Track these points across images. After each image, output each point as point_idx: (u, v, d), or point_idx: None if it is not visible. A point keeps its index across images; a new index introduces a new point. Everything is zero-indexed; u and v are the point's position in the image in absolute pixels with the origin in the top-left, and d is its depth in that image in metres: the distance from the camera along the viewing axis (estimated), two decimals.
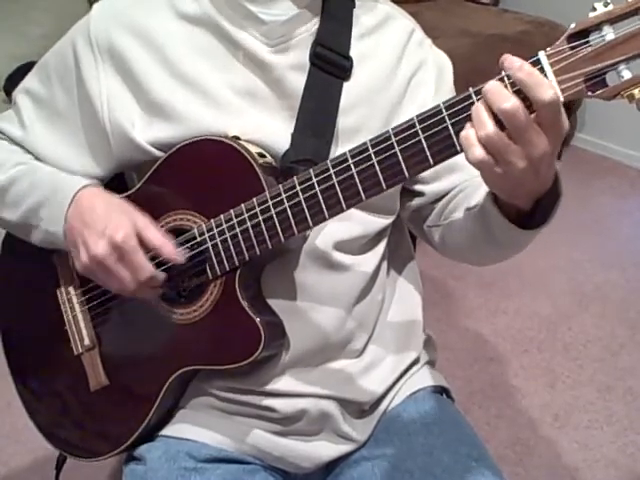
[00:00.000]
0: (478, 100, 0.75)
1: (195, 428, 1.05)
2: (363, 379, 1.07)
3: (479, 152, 0.75)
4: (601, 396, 2.15)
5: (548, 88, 0.71)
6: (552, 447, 1.98)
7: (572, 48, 0.71)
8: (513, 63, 0.73)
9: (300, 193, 0.87)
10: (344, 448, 1.07)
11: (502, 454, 1.94)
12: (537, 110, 0.72)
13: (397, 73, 1.04)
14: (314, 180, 0.86)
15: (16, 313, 1.17)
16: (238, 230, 0.92)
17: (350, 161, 0.83)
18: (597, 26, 0.70)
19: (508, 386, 2.20)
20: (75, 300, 1.07)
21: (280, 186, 0.89)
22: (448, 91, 1.07)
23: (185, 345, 0.99)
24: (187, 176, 0.96)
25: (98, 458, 1.09)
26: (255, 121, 0.97)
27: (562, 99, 0.72)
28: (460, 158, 0.97)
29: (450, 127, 0.77)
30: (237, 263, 0.93)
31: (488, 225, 0.92)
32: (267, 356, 0.99)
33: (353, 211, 1.00)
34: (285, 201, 0.88)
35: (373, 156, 0.82)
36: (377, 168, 0.82)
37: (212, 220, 0.94)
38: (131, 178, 1.07)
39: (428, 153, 0.78)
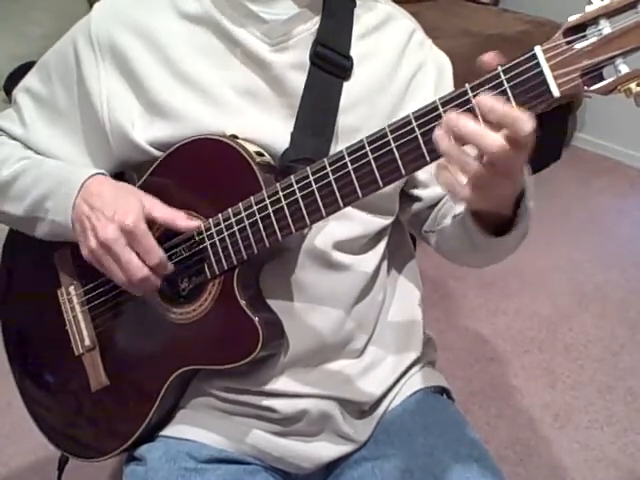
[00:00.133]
0: (474, 97, 0.75)
1: (195, 428, 1.05)
2: (363, 379, 1.07)
3: (466, 190, 0.76)
4: (601, 396, 2.15)
5: (526, 121, 0.71)
6: (552, 447, 1.98)
7: (568, 43, 0.71)
8: (482, 104, 0.73)
9: (297, 191, 0.87)
10: (344, 448, 1.07)
11: (502, 454, 1.94)
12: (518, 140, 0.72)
13: (397, 73, 1.04)
14: (311, 178, 0.86)
15: (17, 313, 1.17)
16: (236, 229, 0.92)
17: (347, 159, 0.83)
18: (594, 20, 0.70)
19: (508, 386, 2.20)
20: (76, 300, 1.07)
21: (277, 184, 0.89)
22: (448, 91, 1.07)
23: (184, 345, 0.99)
24: (185, 175, 0.97)
25: (99, 458, 1.09)
26: (255, 120, 0.97)
27: (558, 94, 0.72)
28: None
29: None
30: (235, 262, 0.93)
31: (470, 236, 0.94)
32: (266, 356, 0.99)
33: (353, 211, 1.00)
34: (282, 199, 0.88)
35: (369, 153, 0.81)
36: (374, 165, 0.82)
37: (210, 219, 0.94)
38: (131, 177, 1.07)
39: (425, 150, 0.78)
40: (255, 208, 0.90)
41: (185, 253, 0.97)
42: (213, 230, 0.94)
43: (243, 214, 0.91)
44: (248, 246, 0.92)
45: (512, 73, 0.73)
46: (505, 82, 0.73)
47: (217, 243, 0.93)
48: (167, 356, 1.00)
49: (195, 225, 0.94)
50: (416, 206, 1.11)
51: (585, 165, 3.42)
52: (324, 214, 0.87)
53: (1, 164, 1.04)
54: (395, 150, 0.80)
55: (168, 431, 1.06)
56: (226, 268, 0.94)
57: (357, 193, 0.84)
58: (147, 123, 0.98)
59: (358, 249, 1.05)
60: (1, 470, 1.99)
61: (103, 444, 1.09)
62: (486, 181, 0.75)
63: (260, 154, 0.94)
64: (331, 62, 0.98)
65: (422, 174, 1.08)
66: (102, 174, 1.00)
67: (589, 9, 0.69)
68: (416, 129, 0.78)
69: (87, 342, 1.07)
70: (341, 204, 0.85)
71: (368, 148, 0.81)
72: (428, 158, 0.78)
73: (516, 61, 0.73)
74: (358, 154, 0.82)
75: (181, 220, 0.93)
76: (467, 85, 0.75)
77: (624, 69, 0.69)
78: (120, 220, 0.91)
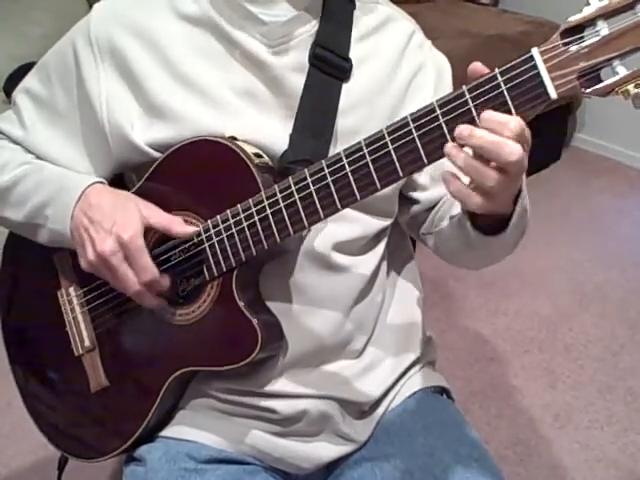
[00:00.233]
0: (471, 99, 0.75)
1: (195, 429, 1.05)
2: (363, 380, 1.07)
3: (479, 198, 0.77)
4: (601, 396, 2.15)
5: (510, 148, 0.73)
6: (553, 447, 1.98)
7: (566, 44, 0.70)
8: (461, 132, 0.74)
9: (295, 193, 0.87)
10: (344, 449, 1.07)
11: (502, 454, 1.94)
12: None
13: (397, 75, 1.04)
14: (309, 180, 0.86)
15: (18, 314, 1.17)
16: (234, 230, 0.92)
17: (344, 160, 0.83)
18: (591, 21, 0.70)
19: (508, 386, 2.20)
20: (75, 301, 1.08)
21: (276, 186, 0.89)
22: (447, 93, 1.07)
23: (183, 346, 0.99)
24: (184, 177, 0.97)
25: (99, 459, 1.10)
26: (254, 121, 0.97)
27: (556, 96, 0.72)
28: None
29: (444, 125, 0.76)
30: (234, 264, 0.93)
31: (467, 237, 0.94)
32: (266, 357, 0.99)
33: (352, 213, 1.00)
34: (280, 201, 0.88)
35: (367, 155, 0.81)
36: (371, 167, 0.82)
37: (209, 221, 0.94)
38: (131, 179, 1.07)
39: (422, 152, 0.78)
40: (253, 210, 0.90)
41: (184, 255, 0.97)
42: (212, 232, 0.94)
43: (241, 216, 0.91)
44: (247, 248, 0.92)
45: (509, 75, 0.73)
46: (502, 84, 0.73)
47: (216, 245, 0.94)
48: (166, 357, 1.00)
49: (191, 231, 0.94)
50: (414, 209, 1.11)
51: (585, 165, 3.42)
52: (322, 216, 0.87)
53: (1, 169, 1.04)
54: (393, 152, 0.80)
55: (168, 432, 1.07)
56: (225, 270, 0.94)
57: (355, 195, 0.84)
58: (146, 124, 0.98)
59: (357, 250, 1.05)
60: (1, 470, 1.99)
61: (103, 444, 1.09)
62: (495, 187, 0.76)
63: (259, 155, 0.94)
64: (330, 64, 0.98)
65: (420, 177, 1.08)
66: (101, 182, 1.00)
67: (587, 10, 0.69)
68: (413, 131, 0.78)
69: (87, 343, 1.07)
70: (339, 206, 0.85)
71: (366, 150, 0.81)
72: (426, 160, 0.78)
73: (513, 63, 0.73)
74: (356, 156, 0.82)
75: (177, 226, 0.94)
76: (464, 87, 0.75)
77: (622, 71, 0.69)
78: (118, 234, 0.91)
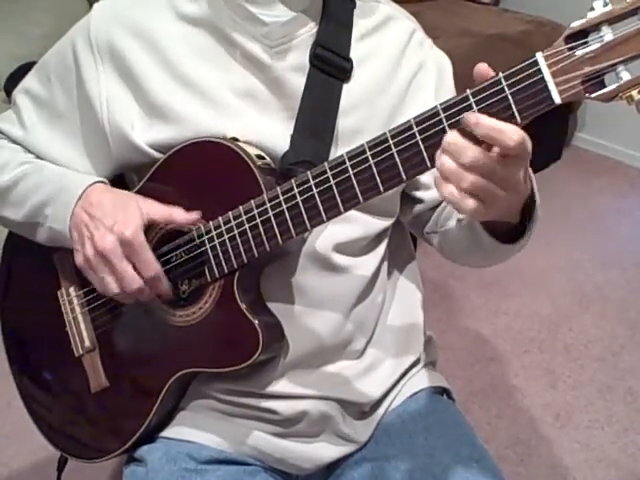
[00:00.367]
0: (475, 103, 0.75)
1: (195, 430, 1.05)
2: (363, 380, 1.07)
3: (471, 202, 0.76)
4: (602, 396, 2.15)
5: (512, 134, 0.72)
6: (553, 447, 1.98)
7: (570, 49, 0.70)
8: (469, 120, 0.73)
9: (298, 195, 0.87)
10: (345, 449, 1.07)
11: (503, 454, 1.94)
12: (507, 153, 0.73)
13: (398, 74, 1.03)
14: (311, 182, 0.86)
15: (18, 314, 1.17)
16: (236, 232, 0.92)
17: (347, 163, 0.83)
18: (596, 26, 0.69)
19: (509, 386, 2.20)
20: (76, 302, 1.07)
21: (278, 188, 0.88)
22: (448, 92, 1.07)
23: (184, 347, 0.99)
24: (186, 178, 0.96)
25: (99, 459, 1.10)
26: (254, 122, 0.97)
27: (560, 101, 0.72)
28: None
29: (447, 129, 0.76)
30: (235, 265, 0.93)
31: (479, 241, 0.94)
32: (266, 358, 0.99)
33: (353, 213, 1.00)
34: (283, 203, 0.88)
35: (370, 158, 0.81)
36: (374, 170, 0.81)
37: (210, 222, 0.94)
38: (131, 180, 1.07)
39: (425, 155, 0.78)
40: (255, 212, 0.90)
41: (185, 256, 0.97)
42: (213, 233, 0.94)
43: (243, 217, 0.91)
44: (248, 249, 0.91)
45: (513, 79, 0.72)
46: (506, 88, 0.73)
47: (217, 246, 0.93)
48: (167, 358, 1.00)
49: (193, 218, 0.93)
50: (418, 208, 1.11)
51: (585, 165, 3.42)
52: (325, 219, 0.86)
53: (1, 169, 1.04)
54: (396, 155, 0.79)
55: (168, 432, 1.07)
56: (226, 271, 0.94)
57: (358, 198, 0.83)
58: (147, 125, 0.98)
59: (358, 251, 1.05)
60: (1, 470, 1.99)
61: (103, 445, 1.09)
62: (485, 194, 0.75)
63: (261, 157, 0.94)
64: (331, 64, 0.98)
65: (424, 176, 1.07)
66: (102, 182, 1.00)
67: (591, 15, 0.69)
68: (417, 134, 0.78)
69: (87, 343, 1.07)
70: (342, 209, 0.85)
71: (369, 153, 0.81)
72: (429, 163, 0.78)
73: (517, 67, 0.72)
74: (359, 159, 0.82)
75: (179, 215, 0.93)
76: (468, 91, 0.75)
77: (626, 76, 0.69)
78: (119, 231, 0.91)
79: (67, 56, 1.02)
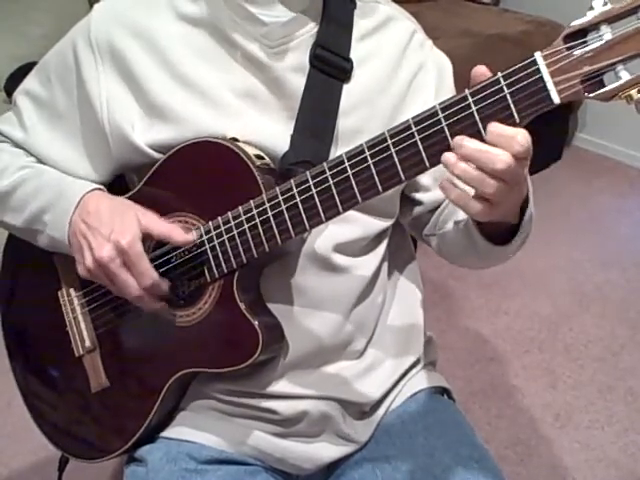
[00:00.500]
0: (474, 103, 0.75)
1: (196, 430, 1.05)
2: (363, 381, 1.07)
3: (478, 204, 0.77)
4: (602, 396, 2.15)
5: (518, 139, 0.73)
6: (553, 447, 1.98)
7: (569, 49, 0.70)
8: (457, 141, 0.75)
9: (297, 195, 0.87)
10: (345, 449, 1.07)
11: (503, 454, 1.94)
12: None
13: (398, 74, 1.03)
14: (310, 182, 0.86)
15: (19, 314, 1.17)
16: (235, 232, 0.92)
17: (346, 163, 0.83)
18: (595, 26, 0.69)
19: (509, 386, 2.20)
20: (76, 302, 1.08)
21: (277, 188, 0.88)
22: (448, 93, 1.07)
23: (184, 347, 0.99)
24: (185, 178, 0.96)
25: (99, 459, 1.10)
26: (254, 123, 0.97)
27: (559, 101, 0.72)
28: None
29: (446, 129, 0.76)
30: (235, 266, 0.93)
31: (474, 243, 0.95)
32: (266, 358, 0.99)
33: (353, 214, 1.00)
34: (282, 203, 0.88)
35: (369, 158, 0.81)
36: (373, 170, 0.81)
37: (210, 222, 0.94)
38: (131, 180, 1.07)
39: (424, 155, 0.78)
40: (255, 212, 0.90)
41: (185, 256, 0.97)
42: (213, 233, 0.94)
43: (242, 218, 0.91)
44: (248, 250, 0.91)
45: (512, 79, 0.72)
46: (505, 88, 0.73)
47: (217, 246, 0.94)
48: (167, 358, 1.01)
49: (191, 239, 0.94)
50: (417, 210, 1.11)
51: (585, 165, 3.42)
52: (324, 219, 0.86)
53: (1, 173, 1.04)
54: (395, 155, 0.79)
55: (169, 432, 1.07)
56: (226, 271, 0.94)
57: (357, 198, 0.83)
58: (147, 125, 0.98)
59: (358, 251, 1.05)
60: (2, 470, 1.99)
61: (103, 445, 1.09)
62: (495, 194, 0.76)
63: (260, 157, 0.94)
64: (331, 64, 0.98)
65: (423, 178, 1.07)
66: (99, 189, 1.00)
67: (590, 15, 0.69)
68: (415, 134, 0.78)
69: (87, 343, 1.07)
70: (341, 209, 0.85)
71: (368, 153, 0.81)
72: (428, 163, 0.78)
73: (516, 67, 0.72)
74: (357, 159, 0.82)
75: (177, 235, 0.93)
76: (467, 91, 0.75)
77: (625, 76, 0.69)
78: (116, 239, 0.91)
79: (67, 56, 1.02)
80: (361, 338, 1.07)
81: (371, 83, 1.01)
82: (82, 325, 1.07)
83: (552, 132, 3.20)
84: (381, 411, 1.11)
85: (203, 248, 0.95)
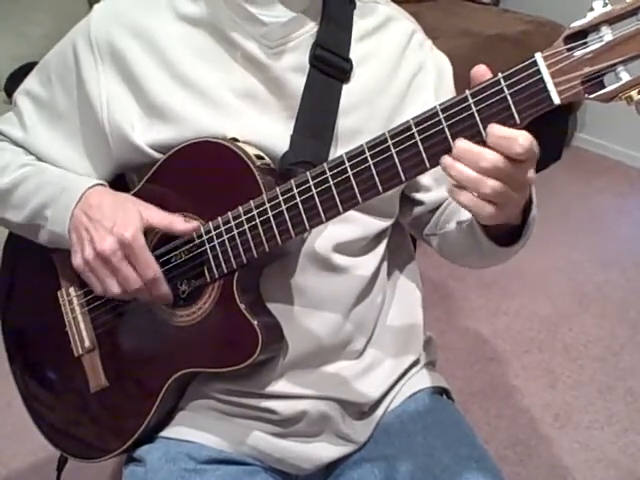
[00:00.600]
0: (474, 104, 0.75)
1: (195, 430, 1.05)
2: (362, 380, 1.07)
3: (489, 207, 0.77)
4: (602, 396, 2.15)
5: (519, 141, 0.72)
6: (552, 447, 1.98)
7: (569, 50, 0.70)
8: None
9: (297, 195, 0.87)
10: (344, 449, 1.08)
11: (502, 454, 1.94)
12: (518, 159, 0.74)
13: (397, 74, 1.03)
14: (311, 183, 0.86)
15: (18, 314, 1.17)
16: (235, 232, 0.92)
17: (347, 164, 0.83)
18: (595, 27, 0.69)
19: (508, 386, 2.20)
20: (76, 302, 1.08)
21: (277, 189, 0.88)
22: (448, 93, 1.07)
23: (184, 347, 0.99)
24: (185, 178, 0.97)
25: (98, 459, 1.10)
26: (254, 123, 0.97)
27: (559, 102, 0.72)
28: None
29: (446, 129, 0.76)
30: (235, 266, 0.93)
31: (478, 244, 0.94)
32: (266, 358, 0.99)
33: (353, 213, 1.00)
34: (282, 204, 0.88)
35: (369, 158, 0.81)
36: (373, 171, 0.81)
37: (210, 222, 0.94)
38: (132, 180, 1.07)
39: (424, 156, 0.78)
40: (255, 212, 0.90)
41: (185, 256, 0.97)
42: (213, 233, 0.94)
43: (243, 218, 0.91)
44: (248, 250, 0.91)
45: (512, 80, 0.72)
46: (505, 89, 0.73)
47: (217, 247, 0.93)
48: (166, 358, 1.00)
49: (193, 227, 0.94)
50: (418, 209, 1.11)
51: (585, 165, 3.42)
52: (324, 219, 0.86)
53: (2, 171, 1.04)
54: (395, 156, 0.79)
55: (168, 432, 1.07)
56: (226, 272, 0.94)
57: (357, 198, 0.83)
58: (147, 125, 0.98)
59: (358, 251, 1.05)
60: (1, 471, 1.99)
61: (102, 445, 1.09)
62: (502, 198, 0.76)
63: (260, 157, 0.94)
64: (331, 64, 0.98)
65: (424, 178, 1.08)
66: (102, 185, 1.00)
67: (590, 16, 0.69)
68: (416, 135, 0.78)
69: (87, 343, 1.07)
70: (341, 209, 0.85)
71: (368, 153, 0.81)
72: (428, 164, 0.78)
73: (516, 68, 0.72)
74: (358, 159, 0.82)
75: (179, 224, 0.94)
76: (467, 92, 0.75)
77: (625, 77, 0.69)
78: (118, 232, 0.91)
79: (67, 56, 1.02)
80: (360, 338, 1.07)
81: (371, 83, 1.01)
82: (81, 325, 1.07)
83: (552, 132, 3.20)
84: (380, 411, 1.11)
85: (203, 248, 0.95)
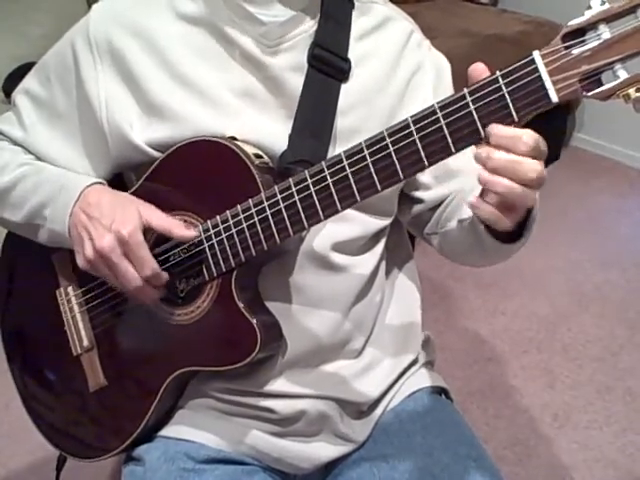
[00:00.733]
0: (472, 102, 0.75)
1: (194, 429, 1.05)
2: (361, 380, 1.08)
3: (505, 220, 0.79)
4: (600, 396, 2.15)
5: (528, 166, 0.75)
6: (551, 447, 1.98)
7: (567, 47, 0.70)
8: (480, 156, 0.76)
9: (295, 194, 0.87)
10: (343, 449, 1.08)
11: (501, 454, 1.94)
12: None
13: (396, 74, 1.04)
14: (309, 181, 0.86)
15: (16, 314, 1.17)
16: (234, 231, 0.92)
17: (345, 162, 0.83)
18: (593, 25, 0.70)
19: (507, 386, 2.20)
20: (74, 301, 1.08)
21: (276, 187, 0.88)
22: (447, 92, 1.07)
23: (182, 346, 0.99)
24: (184, 177, 0.96)
25: (97, 458, 1.10)
26: (253, 122, 0.97)
27: (557, 100, 0.72)
28: (457, 163, 0.98)
29: (444, 127, 0.76)
30: (233, 264, 0.93)
31: (480, 242, 0.94)
32: (264, 357, 0.99)
33: (351, 212, 1.00)
34: (280, 202, 0.88)
35: (368, 157, 0.81)
36: (372, 169, 0.81)
37: (208, 221, 0.94)
38: (130, 179, 1.07)
39: (423, 154, 0.78)
40: (253, 211, 0.90)
41: (183, 255, 0.97)
42: (211, 232, 0.94)
43: (241, 216, 0.91)
44: (246, 248, 0.91)
45: (510, 78, 0.73)
46: (503, 87, 0.73)
47: (215, 245, 0.94)
48: (165, 357, 1.00)
49: (191, 235, 0.94)
50: (418, 208, 1.11)
51: (584, 165, 3.42)
52: (322, 217, 0.86)
53: (1, 170, 1.04)
54: (393, 154, 0.79)
55: (167, 431, 1.07)
56: (224, 270, 0.94)
57: (355, 197, 0.83)
58: (145, 124, 0.98)
59: (356, 250, 1.05)
60: (0, 471, 1.99)
61: (101, 444, 1.09)
62: (517, 200, 0.77)
63: (259, 156, 0.94)
64: (329, 64, 0.98)
65: (423, 176, 1.08)
66: (100, 183, 1.00)
67: (588, 14, 0.69)
68: (414, 133, 0.78)
69: (85, 342, 1.07)
70: (339, 207, 0.85)
71: (366, 152, 0.81)
72: (426, 162, 0.78)
73: (514, 66, 0.72)
74: (356, 158, 0.82)
75: (178, 229, 0.93)
76: (465, 90, 0.75)
77: (623, 74, 0.69)
78: (117, 230, 0.91)
79: (66, 56, 1.02)
80: (359, 337, 1.07)
81: (369, 83, 1.01)
82: (80, 324, 1.07)
83: (550, 132, 3.17)
84: (379, 410, 1.11)
85: (201, 247, 0.95)
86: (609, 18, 0.69)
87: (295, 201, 0.87)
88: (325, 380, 1.05)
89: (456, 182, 1.07)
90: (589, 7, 0.69)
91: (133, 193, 1.00)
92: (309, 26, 0.98)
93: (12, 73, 2.56)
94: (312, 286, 1.01)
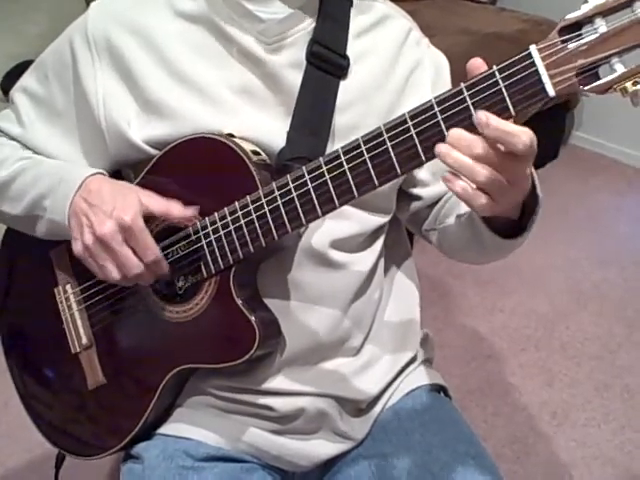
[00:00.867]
0: (469, 97, 0.75)
1: (193, 427, 1.05)
2: (360, 378, 1.08)
3: (483, 197, 0.77)
4: (599, 394, 2.15)
5: (521, 136, 0.72)
6: (550, 445, 1.98)
7: (564, 42, 0.70)
8: (480, 119, 0.73)
9: (293, 190, 0.87)
10: (342, 446, 1.08)
11: (500, 452, 1.94)
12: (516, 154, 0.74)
13: (394, 71, 1.04)
14: (307, 177, 0.86)
15: (15, 312, 1.17)
16: (232, 228, 0.92)
17: (342, 158, 0.83)
18: (589, 19, 0.69)
19: (505, 384, 2.20)
20: (73, 299, 1.07)
21: (273, 183, 0.88)
22: (445, 89, 1.07)
23: (181, 343, 0.99)
24: (182, 174, 0.96)
25: (96, 456, 1.10)
26: (251, 119, 0.97)
27: (554, 94, 0.72)
28: None
29: (441, 122, 0.76)
30: (231, 261, 0.93)
31: (479, 237, 0.94)
32: (263, 354, 0.99)
33: (350, 209, 1.00)
34: (278, 199, 0.88)
35: (365, 152, 0.81)
36: (369, 165, 0.81)
37: (206, 218, 0.94)
38: (128, 176, 1.07)
39: (420, 149, 0.78)
40: (251, 207, 0.90)
41: (181, 252, 0.97)
42: (209, 229, 0.94)
43: (239, 213, 0.91)
44: (244, 245, 0.91)
45: (507, 72, 0.73)
46: (500, 81, 0.73)
47: (213, 242, 0.93)
48: (164, 354, 1.01)
49: (190, 213, 0.93)
50: (416, 205, 1.11)
51: (582, 163, 3.42)
52: (320, 214, 0.86)
53: (0, 164, 1.04)
54: (390, 149, 0.79)
55: (165, 429, 1.07)
56: (222, 267, 0.94)
57: (353, 192, 0.83)
58: (143, 122, 0.98)
59: (355, 247, 1.05)
60: None
61: (100, 442, 1.09)
62: (496, 188, 0.76)
63: (256, 153, 0.94)
64: (327, 61, 0.98)
65: (421, 173, 1.08)
66: (101, 173, 1.00)
67: (585, 8, 0.69)
68: (411, 128, 0.78)
69: (84, 340, 1.07)
70: (337, 203, 0.85)
71: (364, 147, 0.81)
72: (424, 157, 0.78)
73: (511, 60, 0.73)
74: (353, 153, 0.82)
75: (175, 210, 0.93)
76: (462, 84, 0.75)
77: (620, 68, 0.69)
78: (118, 216, 0.90)
79: (64, 53, 1.02)
80: (358, 334, 1.07)
81: (367, 80, 1.01)
82: (78, 322, 1.07)
83: (549, 130, 3.20)
84: (378, 408, 1.11)
85: (200, 244, 0.95)
86: (605, 12, 0.69)
87: (293, 197, 0.87)
88: (324, 378, 1.05)
89: None
90: (585, 1, 0.69)
91: None
92: (308, 23, 0.98)
93: (10, 71, 2.56)
94: (311, 283, 1.01)
